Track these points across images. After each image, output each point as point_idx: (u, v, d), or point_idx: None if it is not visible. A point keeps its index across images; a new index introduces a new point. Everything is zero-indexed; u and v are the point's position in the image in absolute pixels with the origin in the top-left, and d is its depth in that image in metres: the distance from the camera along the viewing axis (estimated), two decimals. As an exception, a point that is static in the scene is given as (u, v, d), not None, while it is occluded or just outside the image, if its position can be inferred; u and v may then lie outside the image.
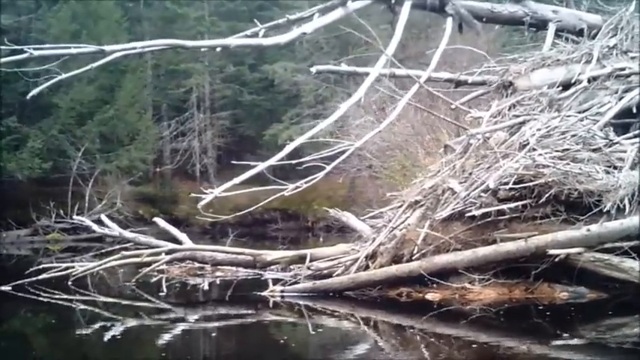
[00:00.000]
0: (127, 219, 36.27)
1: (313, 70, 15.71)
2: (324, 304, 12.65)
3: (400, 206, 13.32)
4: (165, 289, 14.67)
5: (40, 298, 14.64)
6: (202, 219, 40.28)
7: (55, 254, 29.03)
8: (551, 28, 15.30)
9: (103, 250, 28.03)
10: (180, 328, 11.89)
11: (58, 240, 34.59)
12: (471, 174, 12.73)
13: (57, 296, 14.85)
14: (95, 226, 17.55)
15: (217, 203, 43.83)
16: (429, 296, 12.24)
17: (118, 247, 29.08)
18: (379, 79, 14.59)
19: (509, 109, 13.80)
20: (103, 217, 17.60)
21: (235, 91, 43.75)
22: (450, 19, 14.73)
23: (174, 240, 17.01)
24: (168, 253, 14.77)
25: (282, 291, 13.09)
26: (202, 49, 13.16)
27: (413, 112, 21.40)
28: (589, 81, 14.07)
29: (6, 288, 14.95)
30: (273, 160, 12.28)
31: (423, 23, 39.60)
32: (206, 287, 15.33)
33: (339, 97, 41.49)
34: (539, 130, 12.88)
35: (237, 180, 11.72)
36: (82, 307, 14.14)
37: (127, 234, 16.68)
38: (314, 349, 10.23)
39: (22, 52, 11.53)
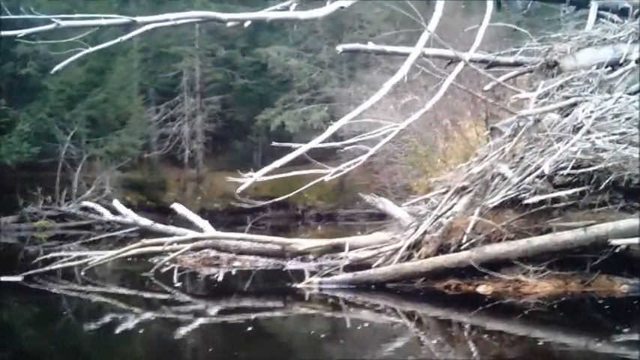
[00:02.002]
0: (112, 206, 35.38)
1: (339, 49, 14.85)
2: (364, 297, 11.89)
3: (445, 192, 12.56)
4: (176, 280, 13.96)
5: (53, 290, 13.91)
6: (191, 206, 39.52)
7: (43, 242, 28.16)
8: (594, 6, 14.59)
9: (92, 238, 27.43)
10: (199, 321, 11.15)
11: (46, 227, 33.57)
12: (522, 158, 11.99)
13: (69, 287, 14.17)
14: (107, 213, 16.65)
15: (206, 190, 42.92)
16: (481, 289, 11.46)
17: (106, 235, 28.48)
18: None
19: (558, 90, 13.04)
20: (116, 204, 16.71)
21: (227, 75, 42.83)
22: (490, -5, 13.98)
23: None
24: (191, 241, 13.93)
25: (319, 283, 12.26)
26: (230, 24, 12.18)
27: (427, 96, 20.60)
28: (637, 61, 13.32)
29: (17, 279, 14.18)
30: (315, 143, 11.46)
31: (418, 6, 39.05)
32: (220, 278, 14.66)
33: (332, 82, 40.92)
34: (592, 112, 12.13)
35: (277, 163, 10.91)
36: (97, 298, 13.42)
37: (143, 221, 15.85)
38: (350, 344, 9.44)
39: (49, 22, 10.61)
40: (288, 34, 42.69)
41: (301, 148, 11.36)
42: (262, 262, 15.40)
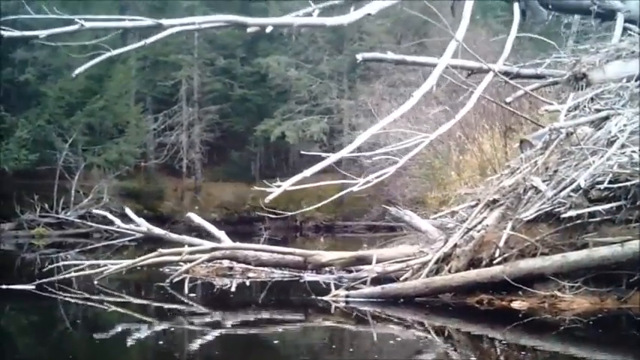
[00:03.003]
0: (111, 213, 34.96)
1: (359, 57, 14.52)
2: (392, 311, 11.55)
3: (475, 205, 12.23)
4: (187, 290, 13.68)
5: (67, 298, 13.56)
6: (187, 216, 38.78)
7: (40, 249, 27.89)
8: (620, 18, 14.34)
9: (90, 247, 27.15)
10: (222, 333, 10.84)
11: (44, 235, 33.18)
12: (556, 171, 11.68)
13: (80, 296, 13.84)
14: (118, 221, 16.27)
15: (203, 200, 42.43)
16: (516, 304, 11.14)
17: (105, 243, 28.22)
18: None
19: (589, 102, 12.75)
20: (128, 212, 16.33)
21: (225, 85, 42.45)
22: (517, 5, 13.69)
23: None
24: (210, 251, 13.57)
25: (346, 296, 11.89)
26: (251, 29, 11.82)
27: (438, 107, 20.31)
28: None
29: (29, 287, 13.87)
30: (345, 152, 11.15)
31: (419, 19, 38.82)
32: (233, 288, 14.35)
33: (332, 94, 40.66)
34: (625, 125, 11.85)
35: (307, 172, 10.57)
36: (113, 308, 13.05)
37: (157, 230, 15.48)
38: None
39: (72, 22, 10.25)
40: (287, 44, 42.44)
41: (329, 158, 11.05)
42: (278, 274, 15.08)
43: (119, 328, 11.10)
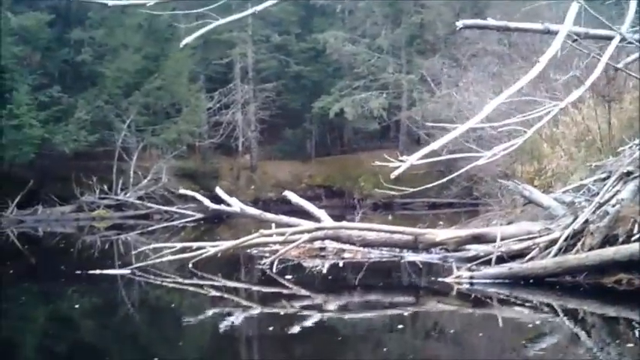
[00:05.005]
0: (169, 194, 34.62)
1: (459, 24, 13.67)
2: (518, 292, 10.89)
3: (606, 178, 11.43)
4: (275, 270, 13.42)
5: (165, 283, 13.10)
6: (244, 195, 38.06)
7: (101, 232, 27.59)
8: None
9: (149, 228, 26.84)
10: (322, 316, 10.47)
11: (104, 217, 32.76)
12: (698, 142, 10.87)
13: (175, 280, 13.40)
14: (207, 202, 15.62)
15: (259, 179, 41.63)
16: (661, 285, 10.40)
17: (165, 224, 27.90)
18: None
19: None
20: (220, 192, 15.55)
21: (281, 62, 41.61)
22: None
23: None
24: (313, 231, 12.90)
25: (470, 277, 11.16)
26: None
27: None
28: None
29: (125, 272, 13.41)
30: (471, 123, 10.28)
31: None
32: (325, 270, 13.81)
33: (390, 69, 39.67)
34: None
35: (435, 145, 9.77)
36: (213, 292, 12.63)
37: (251, 210, 14.86)
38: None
39: None
40: (343, 19, 41.52)
41: (455, 131, 10.23)
42: (375, 254, 14.46)
43: (225, 313, 10.73)
